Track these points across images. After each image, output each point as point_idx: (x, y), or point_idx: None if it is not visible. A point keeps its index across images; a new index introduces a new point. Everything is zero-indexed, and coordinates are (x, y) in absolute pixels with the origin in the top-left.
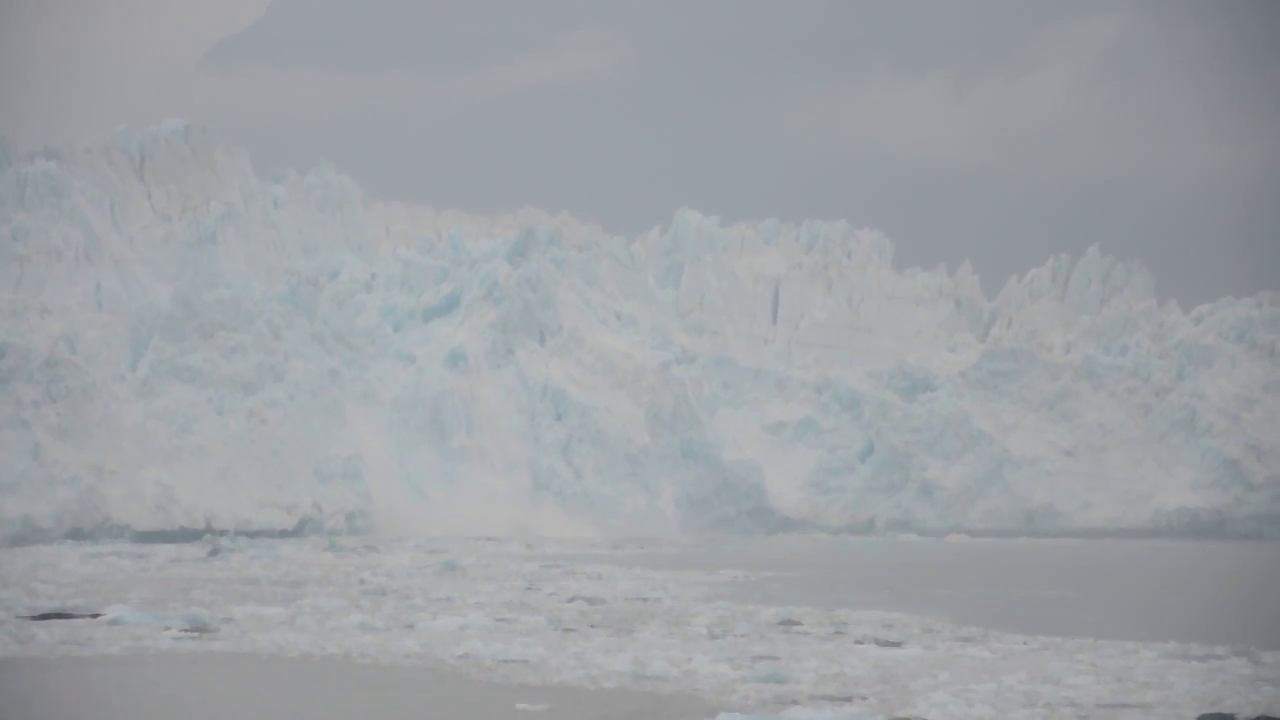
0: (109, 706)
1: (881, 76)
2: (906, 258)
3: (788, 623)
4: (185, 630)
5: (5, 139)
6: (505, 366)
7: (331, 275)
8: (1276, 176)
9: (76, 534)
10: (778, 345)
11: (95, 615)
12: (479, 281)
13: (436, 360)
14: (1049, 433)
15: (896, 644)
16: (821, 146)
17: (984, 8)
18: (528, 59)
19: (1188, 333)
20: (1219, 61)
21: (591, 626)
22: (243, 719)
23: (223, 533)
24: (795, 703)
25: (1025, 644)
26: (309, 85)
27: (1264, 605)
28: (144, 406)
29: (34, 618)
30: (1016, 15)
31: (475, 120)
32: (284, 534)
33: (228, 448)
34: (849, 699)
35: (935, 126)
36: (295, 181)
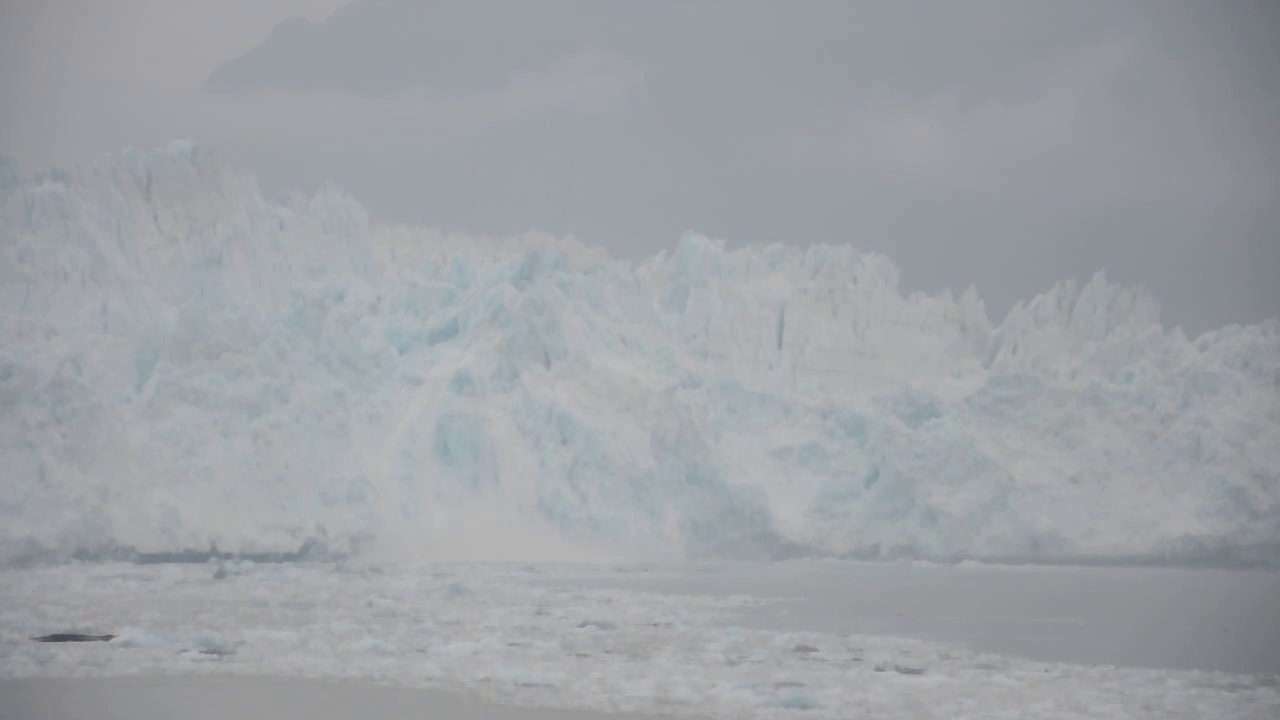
0: None
1: (885, 100)
2: (912, 283)
3: (803, 649)
4: (203, 652)
5: (12, 160)
6: (510, 390)
7: (337, 298)
8: (1271, 204)
9: (81, 555)
10: (783, 370)
11: (108, 637)
12: (484, 305)
13: (442, 383)
14: (1054, 459)
15: (918, 671)
16: (827, 171)
17: (988, 34)
18: (533, 82)
19: (1193, 360)
20: (1226, 89)
21: (606, 652)
22: None
23: (227, 555)
24: None
25: (1047, 671)
26: (315, 107)
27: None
28: (149, 428)
29: (46, 639)
30: (1020, 41)
31: (481, 143)
32: (288, 557)
33: (233, 470)
34: None
35: (940, 151)
36: (301, 204)
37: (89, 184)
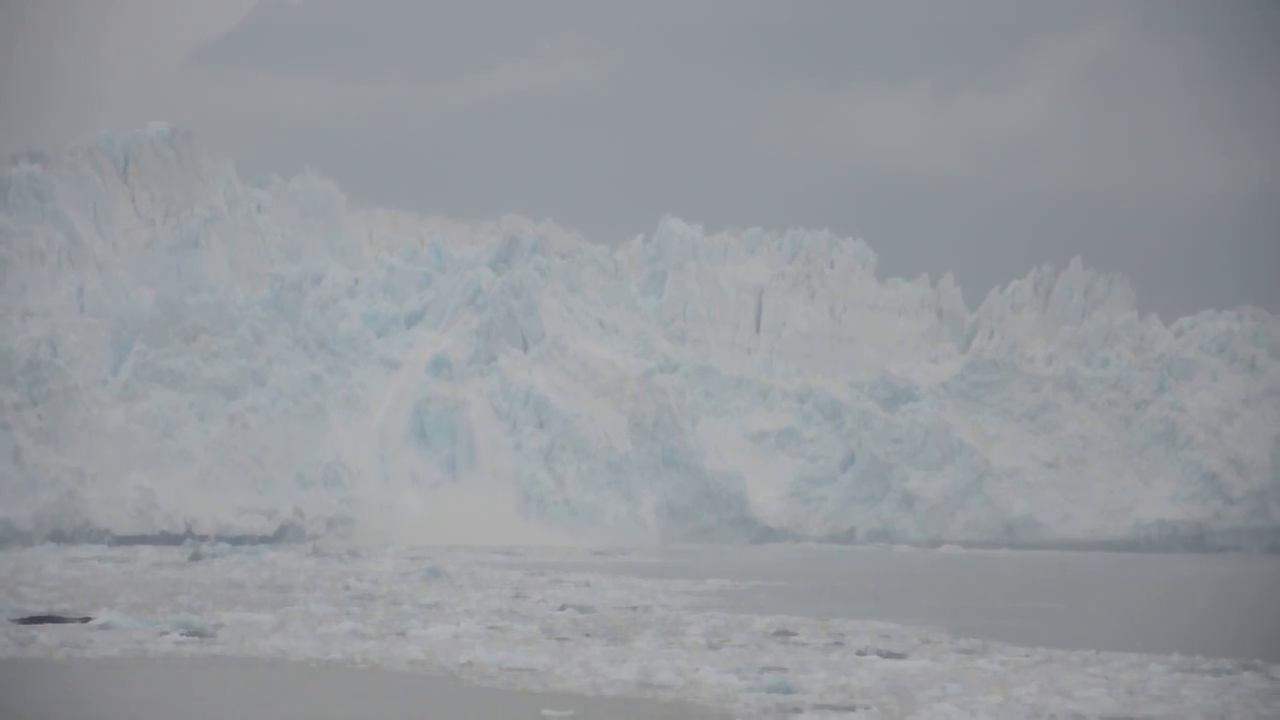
0: (126, 708)
1: (862, 85)
2: (889, 268)
3: (783, 633)
4: (184, 635)
5: None
6: (488, 373)
7: (315, 281)
8: (1259, 191)
9: (56, 537)
10: (760, 354)
11: (85, 619)
12: (462, 288)
13: (419, 366)
14: (1030, 444)
15: (900, 655)
16: (804, 156)
17: (964, 18)
18: (510, 66)
19: (1169, 346)
20: (1203, 76)
21: (586, 635)
22: None
23: (203, 537)
24: (798, 711)
25: (1028, 656)
26: (293, 90)
27: (1258, 619)
28: (126, 410)
29: (24, 621)
30: (997, 26)
31: (459, 126)
32: (265, 539)
33: (209, 452)
34: (853, 709)
35: (917, 136)
36: (279, 186)
37: (66, 165)
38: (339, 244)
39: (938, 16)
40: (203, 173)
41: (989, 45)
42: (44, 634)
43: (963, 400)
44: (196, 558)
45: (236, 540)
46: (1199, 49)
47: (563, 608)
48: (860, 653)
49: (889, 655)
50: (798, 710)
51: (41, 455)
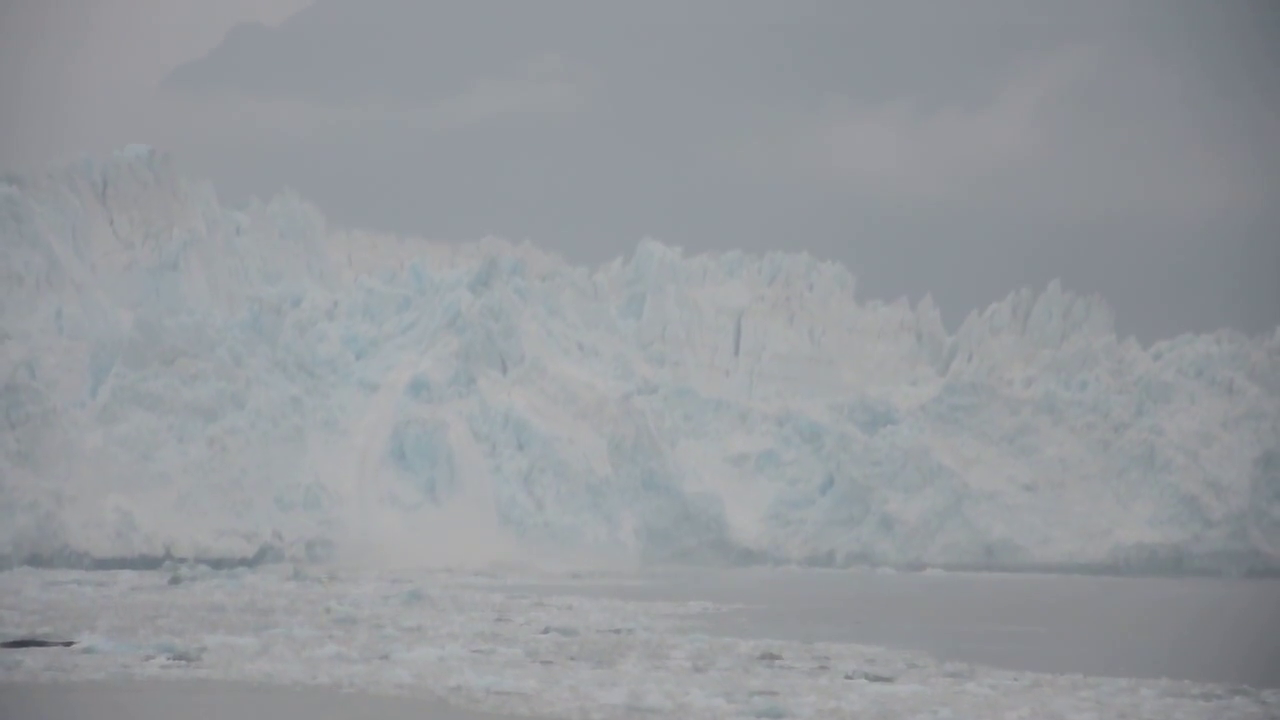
0: None
1: (841, 108)
2: (868, 291)
3: (768, 656)
4: (170, 659)
5: None
6: (467, 396)
7: (294, 303)
8: (1237, 215)
9: (34, 560)
10: (739, 377)
11: (68, 644)
12: (441, 310)
13: (398, 389)
14: (1008, 467)
15: (888, 679)
16: (784, 178)
17: (942, 41)
18: (489, 88)
19: (1147, 369)
20: (1182, 100)
21: (570, 659)
22: None
23: (182, 560)
24: None
25: (1016, 680)
26: (271, 112)
27: (1242, 643)
28: (104, 433)
29: (5, 645)
30: (976, 48)
31: (438, 149)
32: (244, 562)
33: (188, 475)
34: None
35: (896, 159)
36: (258, 209)
37: (44, 188)
38: (318, 266)
39: (917, 37)
40: (181, 195)
41: (968, 65)
42: (29, 658)
43: (941, 423)
44: (176, 581)
45: (215, 563)
46: (1176, 73)
47: (546, 630)
48: (848, 676)
49: (876, 679)
50: None
51: (20, 478)
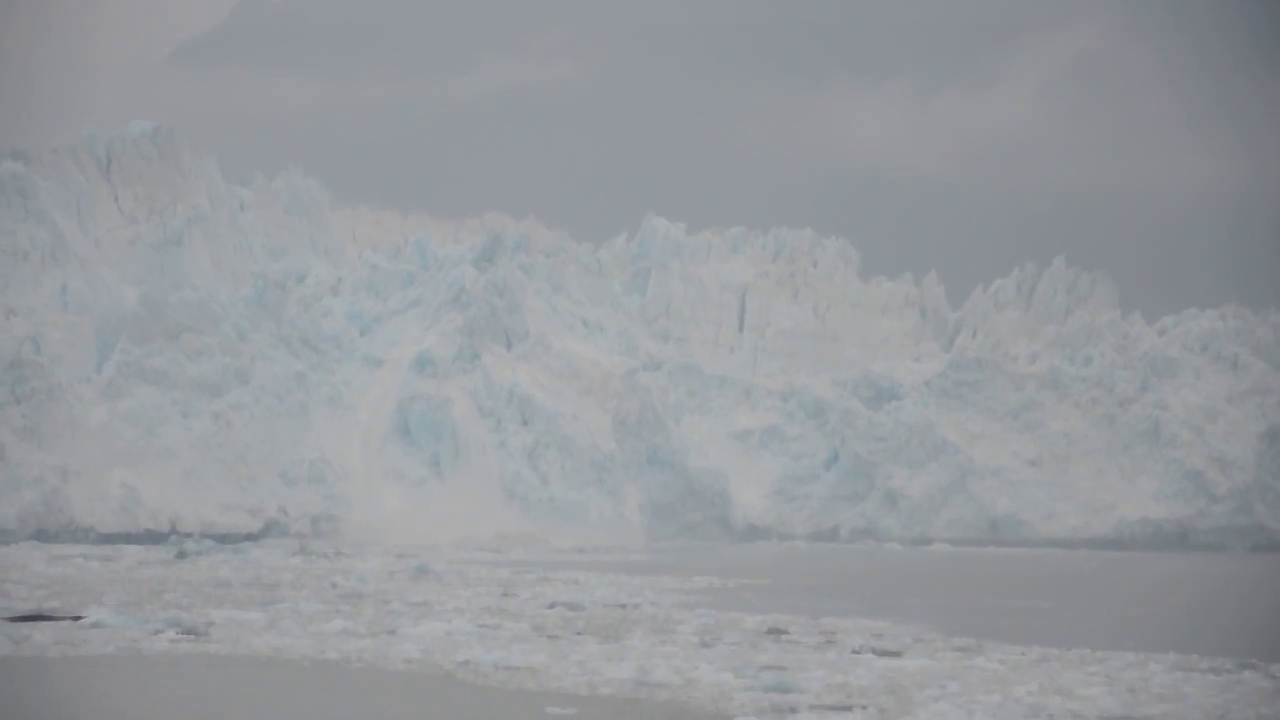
0: (129, 706)
1: (844, 84)
2: (872, 267)
3: (775, 631)
4: (178, 632)
5: None
6: (472, 371)
7: (298, 279)
8: (1243, 190)
9: (40, 535)
10: (744, 353)
11: (76, 618)
12: (446, 286)
13: (403, 364)
14: (1013, 442)
15: (895, 654)
16: (788, 155)
17: (945, 17)
18: (495, 63)
19: (1152, 344)
20: (1187, 75)
21: (577, 633)
22: None
23: (187, 535)
24: (796, 710)
25: (1024, 654)
26: (276, 87)
27: (1249, 617)
28: (109, 408)
29: (13, 619)
30: (979, 25)
31: (442, 125)
32: (249, 537)
33: (193, 450)
34: (850, 709)
35: (900, 135)
36: (262, 185)
37: (49, 164)
38: (322, 242)
39: (920, 14)
40: (186, 171)
41: (972, 43)
42: (37, 632)
43: (946, 399)
44: (182, 556)
45: (221, 538)
46: (1182, 48)
47: (552, 605)
48: (855, 651)
49: (884, 654)
50: (795, 710)
51: (25, 453)
